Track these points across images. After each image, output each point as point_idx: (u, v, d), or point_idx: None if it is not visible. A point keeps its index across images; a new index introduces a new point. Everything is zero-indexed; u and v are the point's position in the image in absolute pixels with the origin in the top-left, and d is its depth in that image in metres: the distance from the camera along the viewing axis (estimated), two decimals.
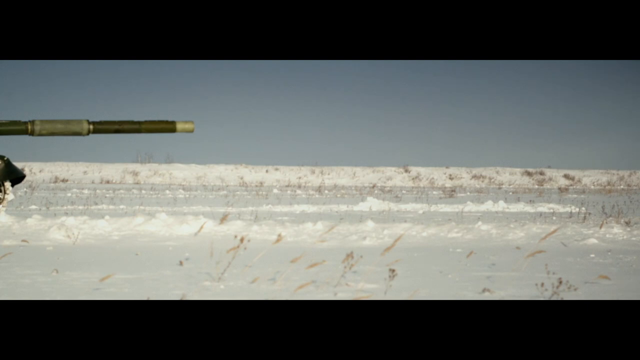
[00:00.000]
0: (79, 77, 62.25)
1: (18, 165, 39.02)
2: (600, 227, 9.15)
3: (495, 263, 6.26)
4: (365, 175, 46.87)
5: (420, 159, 72.35)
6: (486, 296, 4.56)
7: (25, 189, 24.08)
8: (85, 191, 24.59)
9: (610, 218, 11.57)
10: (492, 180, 47.39)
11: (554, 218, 12.50)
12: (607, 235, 8.70)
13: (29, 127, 10.28)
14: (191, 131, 10.84)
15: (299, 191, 27.80)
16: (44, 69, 60.22)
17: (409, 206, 16.14)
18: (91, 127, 10.47)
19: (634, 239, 8.53)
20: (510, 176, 49.12)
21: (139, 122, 10.69)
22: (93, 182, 38.65)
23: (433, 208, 15.58)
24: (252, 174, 45.53)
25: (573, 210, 14.66)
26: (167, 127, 10.75)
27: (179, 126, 10.77)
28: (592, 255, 6.95)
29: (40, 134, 10.30)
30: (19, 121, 10.30)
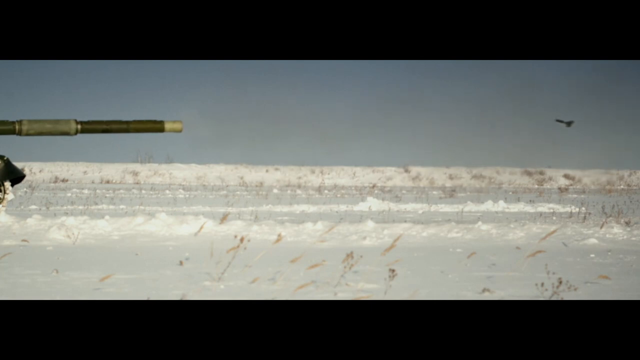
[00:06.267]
0: (67, 77, 62.01)
1: (18, 165, 38.98)
2: (601, 227, 9.15)
3: (495, 263, 6.26)
4: (365, 175, 46.86)
5: (420, 159, 72.24)
6: (486, 296, 4.56)
7: (25, 189, 24.07)
8: (85, 191, 24.58)
9: (610, 218, 11.57)
10: (492, 180, 47.37)
11: (554, 218, 12.50)
12: (607, 235, 8.70)
13: (17, 126, 10.28)
14: (179, 131, 10.86)
15: (299, 191, 27.79)
16: (32, 69, 60.03)
17: (409, 206, 16.13)
18: (79, 126, 10.47)
19: (634, 239, 8.53)
20: (510, 176, 49.08)
21: (127, 122, 10.69)
22: (93, 182, 38.64)
23: (433, 208, 15.58)
24: (252, 174, 45.52)
25: (573, 210, 14.64)
26: (155, 126, 10.77)
27: (167, 126, 10.78)
28: (592, 255, 6.95)
29: (27, 134, 10.31)
30: (7, 121, 10.30)
